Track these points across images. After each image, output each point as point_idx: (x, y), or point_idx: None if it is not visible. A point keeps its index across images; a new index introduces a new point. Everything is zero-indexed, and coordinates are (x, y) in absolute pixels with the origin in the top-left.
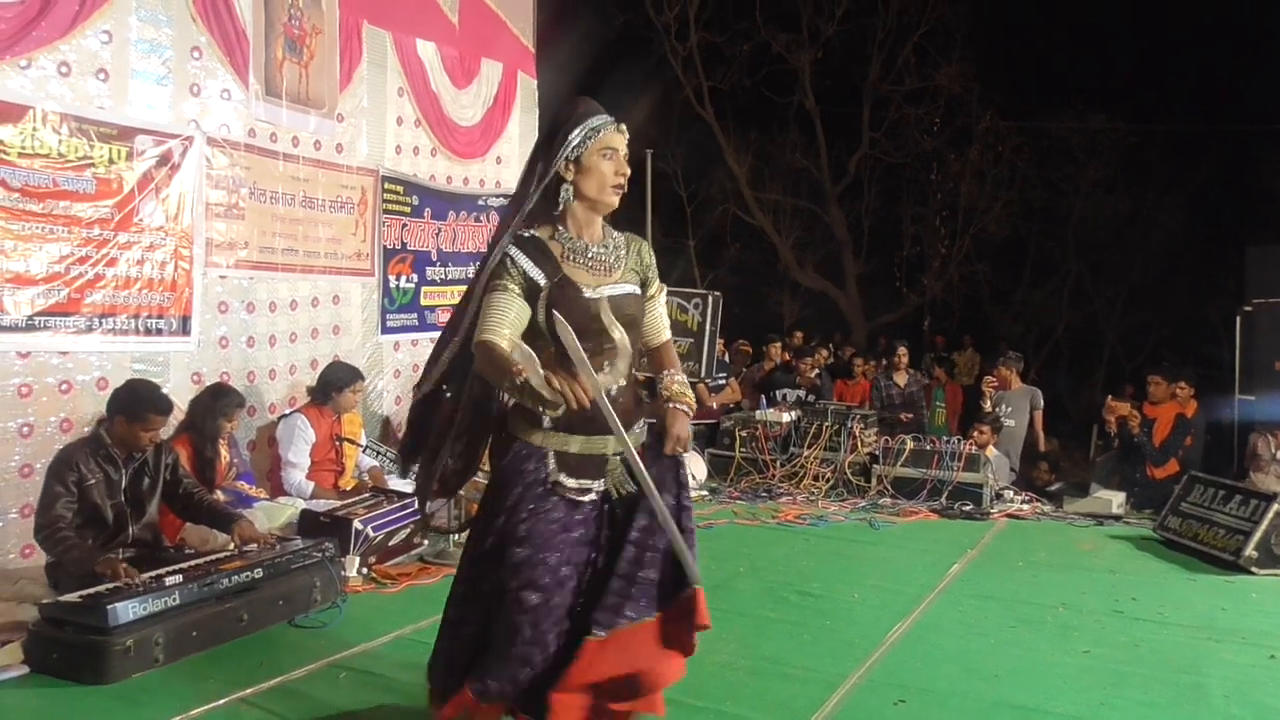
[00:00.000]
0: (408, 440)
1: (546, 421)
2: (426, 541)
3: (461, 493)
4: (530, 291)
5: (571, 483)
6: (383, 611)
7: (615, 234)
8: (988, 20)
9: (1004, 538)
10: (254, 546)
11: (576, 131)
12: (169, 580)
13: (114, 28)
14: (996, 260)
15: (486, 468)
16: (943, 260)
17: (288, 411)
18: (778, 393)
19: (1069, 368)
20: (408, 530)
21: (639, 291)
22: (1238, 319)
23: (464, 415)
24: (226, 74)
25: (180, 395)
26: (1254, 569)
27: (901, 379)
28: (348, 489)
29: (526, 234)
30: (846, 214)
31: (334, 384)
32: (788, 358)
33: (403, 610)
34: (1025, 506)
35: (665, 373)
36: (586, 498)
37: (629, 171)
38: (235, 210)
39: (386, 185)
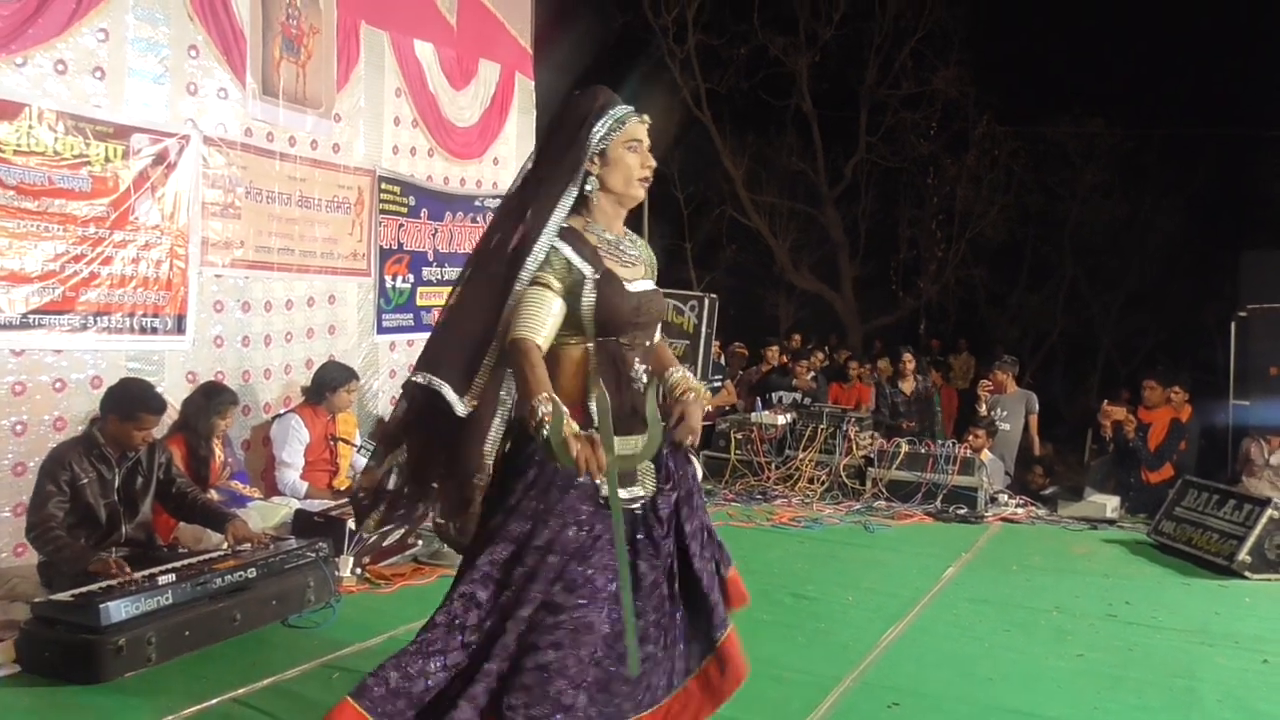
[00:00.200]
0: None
1: (595, 418)
2: (421, 542)
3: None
4: (572, 286)
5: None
6: (376, 612)
7: (628, 230)
8: (985, 24)
9: (998, 541)
10: (248, 546)
11: (600, 124)
12: (162, 579)
13: (111, 26)
14: (992, 264)
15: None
16: (939, 264)
17: (282, 411)
18: (773, 395)
19: (1064, 372)
20: (402, 531)
21: (658, 289)
22: (1233, 324)
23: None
24: (223, 73)
25: (175, 394)
26: (1247, 574)
27: (908, 386)
28: (342, 489)
29: (566, 225)
30: (843, 217)
31: (328, 384)
32: (785, 361)
33: (397, 611)
34: (1020, 510)
35: (671, 369)
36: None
37: (655, 164)
38: (231, 209)
39: (383, 185)
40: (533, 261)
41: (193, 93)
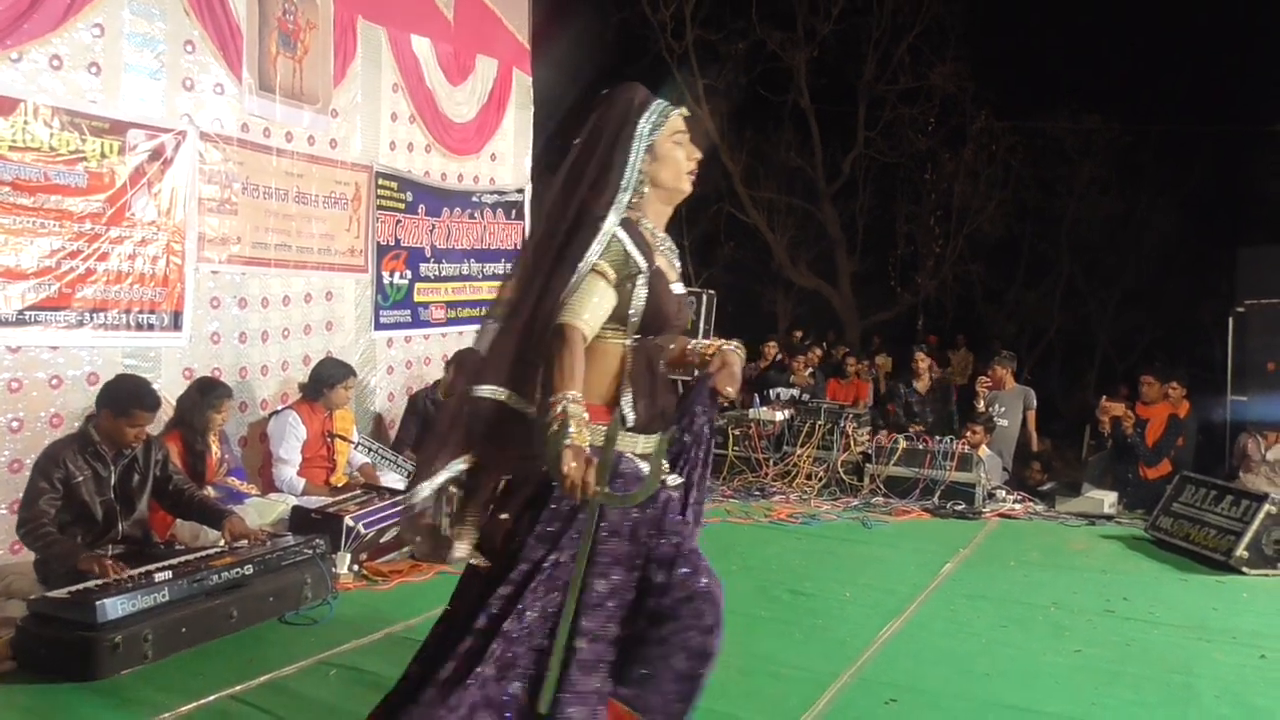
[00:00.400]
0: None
1: (629, 421)
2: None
3: (453, 489)
4: (626, 280)
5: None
6: (374, 609)
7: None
8: (982, 20)
9: (996, 537)
10: (244, 543)
11: (644, 119)
12: (158, 576)
13: (106, 21)
14: (990, 260)
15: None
16: (936, 260)
17: (279, 408)
18: (771, 391)
19: (1061, 368)
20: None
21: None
22: (1230, 320)
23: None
24: (220, 68)
25: (172, 391)
26: (1245, 569)
27: (923, 385)
28: (339, 486)
29: (625, 216)
30: (840, 213)
31: (326, 380)
32: (783, 357)
33: (394, 607)
34: (1017, 506)
35: (693, 341)
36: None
37: (700, 155)
38: (228, 205)
39: (380, 181)
40: (598, 245)
41: (189, 88)
